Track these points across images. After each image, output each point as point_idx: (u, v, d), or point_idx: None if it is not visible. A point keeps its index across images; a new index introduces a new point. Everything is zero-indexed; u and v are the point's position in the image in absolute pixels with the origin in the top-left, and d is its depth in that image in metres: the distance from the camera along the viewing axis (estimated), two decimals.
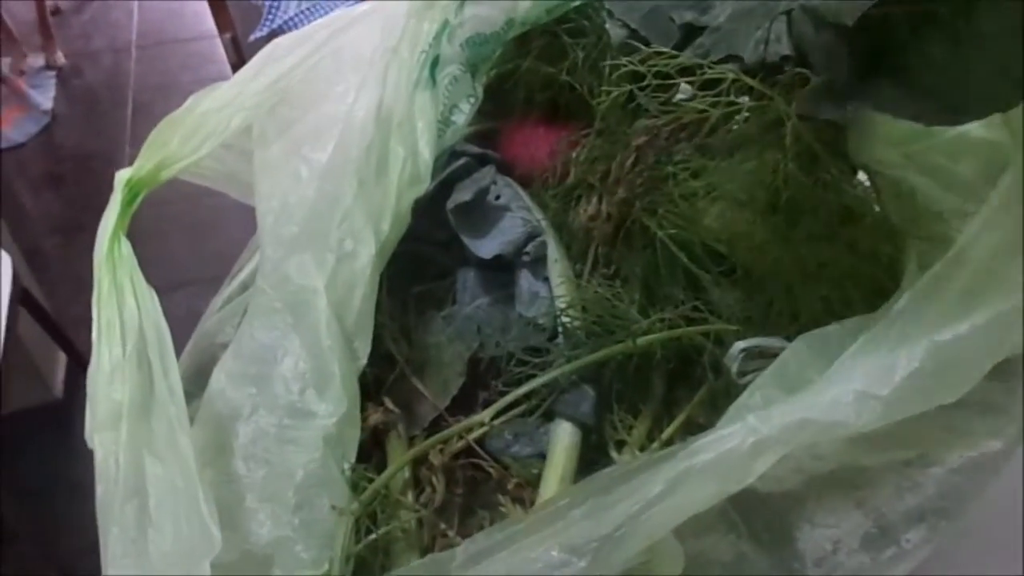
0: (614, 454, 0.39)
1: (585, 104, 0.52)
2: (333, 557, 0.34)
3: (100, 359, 0.35)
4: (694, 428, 0.39)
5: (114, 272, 0.36)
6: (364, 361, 0.39)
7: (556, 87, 0.53)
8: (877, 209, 0.43)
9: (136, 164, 0.39)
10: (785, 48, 0.44)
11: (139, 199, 0.39)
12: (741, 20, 0.46)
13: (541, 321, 0.42)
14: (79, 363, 1.40)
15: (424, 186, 0.44)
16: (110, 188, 0.39)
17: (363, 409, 0.39)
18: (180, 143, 0.39)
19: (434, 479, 0.38)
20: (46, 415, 1.34)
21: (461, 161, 0.47)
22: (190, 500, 0.32)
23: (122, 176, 0.38)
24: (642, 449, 0.38)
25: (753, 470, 0.29)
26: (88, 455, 0.34)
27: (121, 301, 0.36)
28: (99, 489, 0.33)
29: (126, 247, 0.37)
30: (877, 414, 0.30)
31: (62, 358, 1.41)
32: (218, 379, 0.38)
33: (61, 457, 1.13)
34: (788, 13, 0.44)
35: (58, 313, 1.34)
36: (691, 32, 0.48)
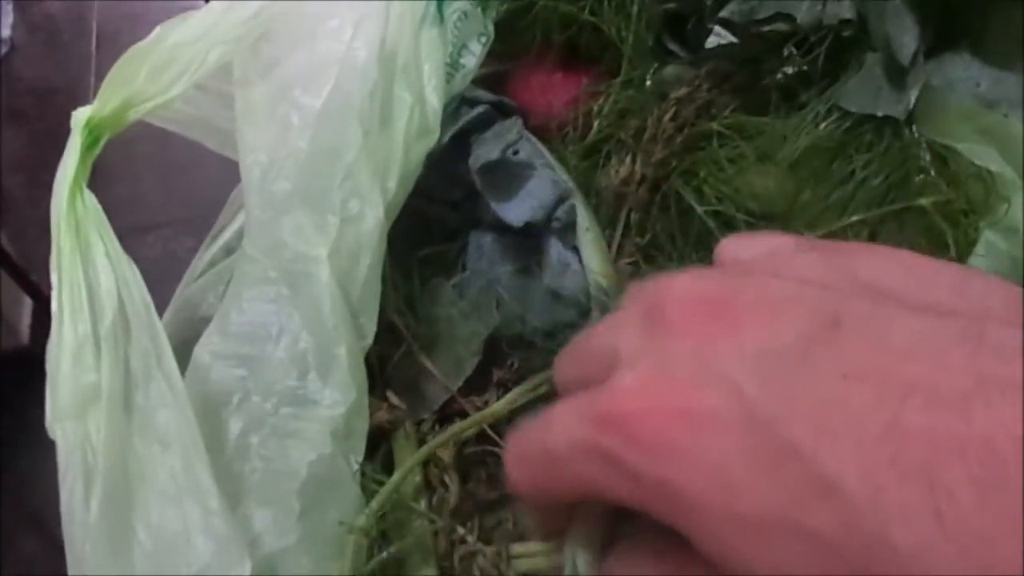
0: None
1: (609, 48, 0.47)
2: (343, 571, 0.30)
3: (62, 336, 0.30)
4: None
5: (77, 230, 0.31)
6: (370, 341, 0.34)
7: (577, 27, 0.48)
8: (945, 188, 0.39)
9: (97, 102, 0.33)
10: (846, 10, 0.38)
11: (101, 143, 0.33)
12: None
13: (571, 295, 0.37)
14: (46, 309, 1.34)
15: (433, 137, 0.39)
16: None
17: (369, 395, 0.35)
18: (147, 80, 0.33)
19: (446, 477, 0.34)
20: (12, 362, 1.29)
21: (478, 110, 0.42)
22: (202, 505, 0.28)
23: (81, 116, 0.33)
24: None
25: None
26: None
27: (89, 265, 0.31)
28: (64, 492, 0.28)
29: (90, 200, 0.31)
30: None
31: (28, 303, 1.35)
32: (201, 359, 0.33)
33: (29, 405, 1.08)
34: None
35: (23, 256, 1.27)
36: None
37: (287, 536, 0.29)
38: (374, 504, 0.30)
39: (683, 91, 0.41)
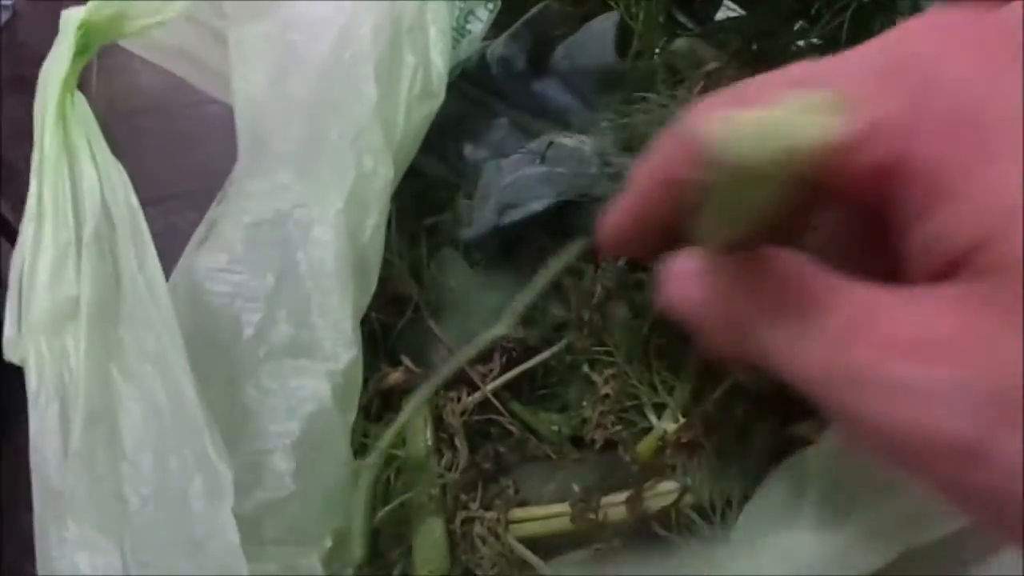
0: (653, 419, 0.35)
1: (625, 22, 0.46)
2: (337, 529, 0.30)
3: (38, 242, 0.28)
4: (740, 393, 0.35)
5: (65, 131, 0.29)
6: (368, 300, 0.34)
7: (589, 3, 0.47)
8: None
9: (91, 6, 0.31)
10: None
11: (92, 51, 0.31)
12: None
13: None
14: None
15: (438, 101, 0.38)
16: None
17: (373, 361, 0.35)
18: None
19: (457, 441, 0.34)
20: None
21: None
22: (188, 429, 0.26)
23: (72, 17, 0.30)
24: (685, 414, 0.34)
25: None
26: None
27: (75, 168, 0.28)
28: (35, 420, 0.26)
29: (81, 103, 0.29)
30: None
31: None
32: (194, 278, 0.30)
33: None
34: None
35: None
36: None
37: (279, 488, 0.28)
38: (382, 443, 0.30)
39: (712, 66, 0.40)
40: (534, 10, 0.43)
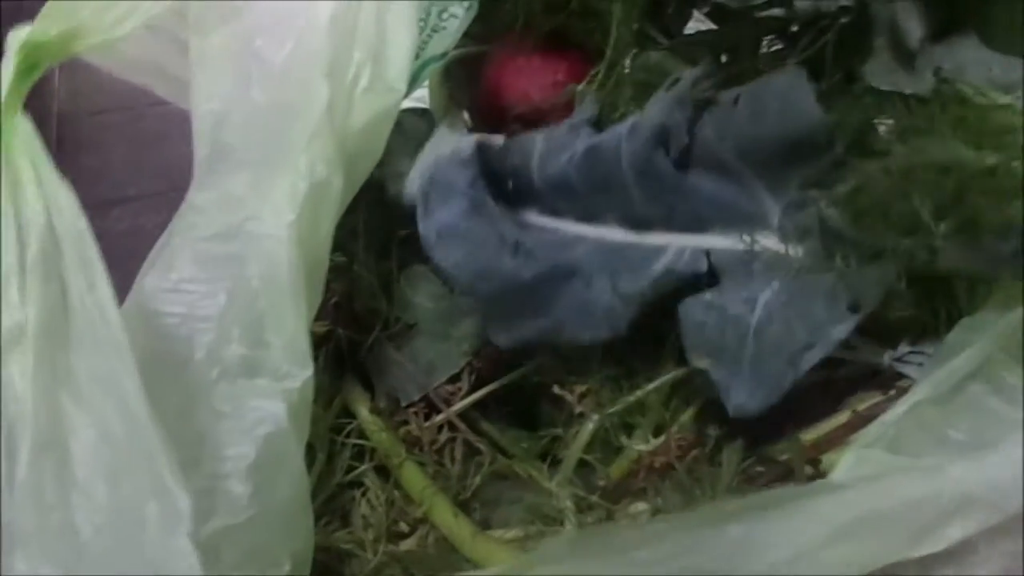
0: (624, 439, 0.34)
1: (592, 34, 0.46)
2: (295, 552, 0.29)
3: None
4: (711, 414, 0.34)
5: (9, 156, 0.28)
6: (314, 314, 0.32)
7: (562, 12, 0.47)
8: None
9: (38, 23, 0.30)
10: None
11: (40, 70, 0.30)
12: None
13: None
14: None
15: (396, 96, 0.36)
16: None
17: (337, 378, 0.34)
18: (96, 12, 0.31)
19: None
20: None
21: None
22: (142, 455, 0.25)
23: (19, 37, 0.30)
24: (656, 435, 0.34)
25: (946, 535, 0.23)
26: None
27: (17, 192, 0.27)
28: None
29: (24, 126, 0.28)
30: None
31: None
32: (145, 300, 0.30)
33: None
34: None
35: None
36: None
37: (237, 514, 0.27)
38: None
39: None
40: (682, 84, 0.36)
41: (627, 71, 0.45)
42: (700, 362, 0.32)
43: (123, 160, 1.52)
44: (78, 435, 0.26)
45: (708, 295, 0.33)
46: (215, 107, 0.34)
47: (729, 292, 0.33)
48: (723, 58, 0.44)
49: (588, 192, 0.36)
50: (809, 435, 0.34)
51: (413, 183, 0.40)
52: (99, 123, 1.45)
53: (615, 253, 0.36)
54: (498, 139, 0.40)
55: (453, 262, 0.35)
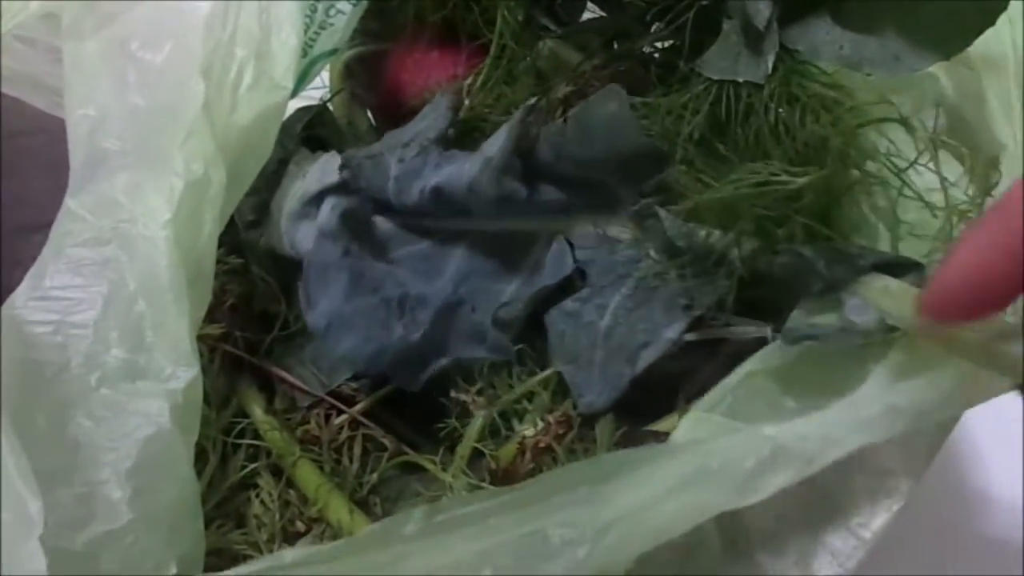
0: (516, 424, 0.35)
1: (487, 25, 0.46)
2: (183, 556, 0.29)
3: None
4: None
5: None
6: (203, 314, 0.32)
7: (450, 6, 0.47)
8: None
9: None
10: None
11: None
12: None
13: None
14: None
15: (283, 93, 0.36)
16: None
17: (234, 380, 0.33)
18: None
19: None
20: None
21: None
22: None
23: None
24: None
25: (765, 485, 0.24)
26: None
27: None
28: None
29: None
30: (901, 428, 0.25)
31: None
32: (15, 310, 0.29)
33: None
34: None
35: None
36: None
37: (118, 518, 0.26)
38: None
39: (570, 88, 0.40)
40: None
41: (526, 61, 0.45)
42: (561, 367, 0.35)
43: (43, 185, 1.49)
44: None
45: (569, 303, 0.36)
46: (91, 112, 0.33)
47: (588, 299, 0.35)
48: (615, 44, 0.45)
49: (447, 217, 0.38)
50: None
51: (280, 222, 0.40)
52: (19, 147, 1.42)
53: (487, 275, 0.38)
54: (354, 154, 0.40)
55: (345, 349, 0.37)
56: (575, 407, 0.34)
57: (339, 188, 0.39)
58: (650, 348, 0.34)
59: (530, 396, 0.35)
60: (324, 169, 0.40)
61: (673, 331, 0.33)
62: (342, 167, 0.39)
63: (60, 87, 0.36)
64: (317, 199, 0.39)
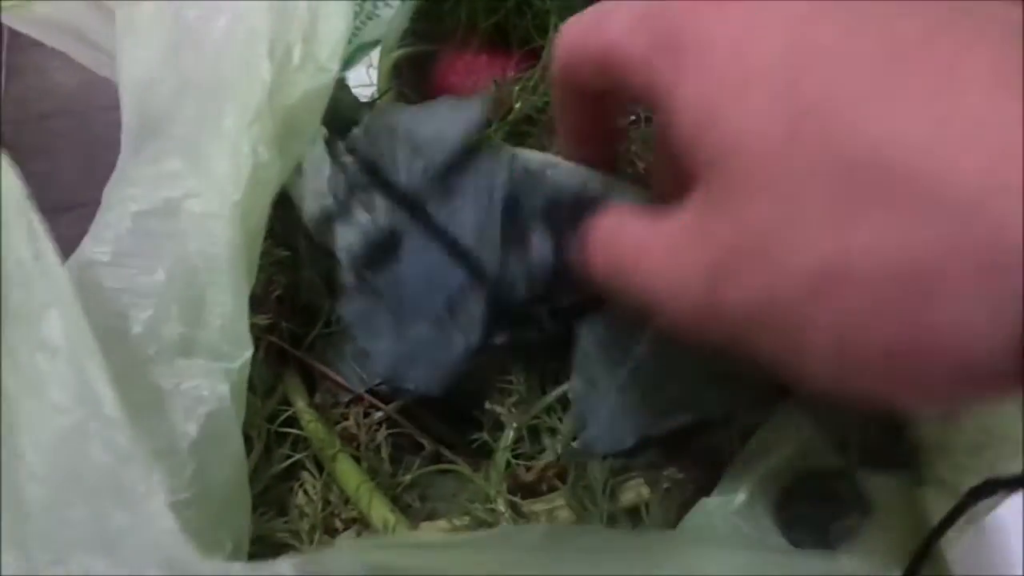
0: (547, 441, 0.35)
1: (537, 30, 0.47)
2: (235, 534, 0.29)
3: None
4: None
5: None
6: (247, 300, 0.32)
7: (503, 11, 0.48)
8: None
9: None
10: None
11: None
12: None
13: None
14: None
15: (328, 76, 0.35)
16: None
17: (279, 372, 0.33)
18: None
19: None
20: None
21: None
22: (104, 424, 0.24)
23: None
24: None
25: None
26: None
27: None
28: None
29: None
30: None
31: None
32: (77, 265, 0.29)
33: None
34: None
35: None
36: None
37: (176, 494, 0.26)
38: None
39: None
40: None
41: None
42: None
43: (73, 166, 1.49)
44: (28, 392, 0.25)
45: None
46: (142, 75, 0.33)
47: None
48: None
49: None
50: None
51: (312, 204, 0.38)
52: (46, 128, 1.42)
53: None
54: None
55: (417, 383, 0.37)
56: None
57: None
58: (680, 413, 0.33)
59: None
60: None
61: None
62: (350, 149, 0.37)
63: (104, 45, 0.35)
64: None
